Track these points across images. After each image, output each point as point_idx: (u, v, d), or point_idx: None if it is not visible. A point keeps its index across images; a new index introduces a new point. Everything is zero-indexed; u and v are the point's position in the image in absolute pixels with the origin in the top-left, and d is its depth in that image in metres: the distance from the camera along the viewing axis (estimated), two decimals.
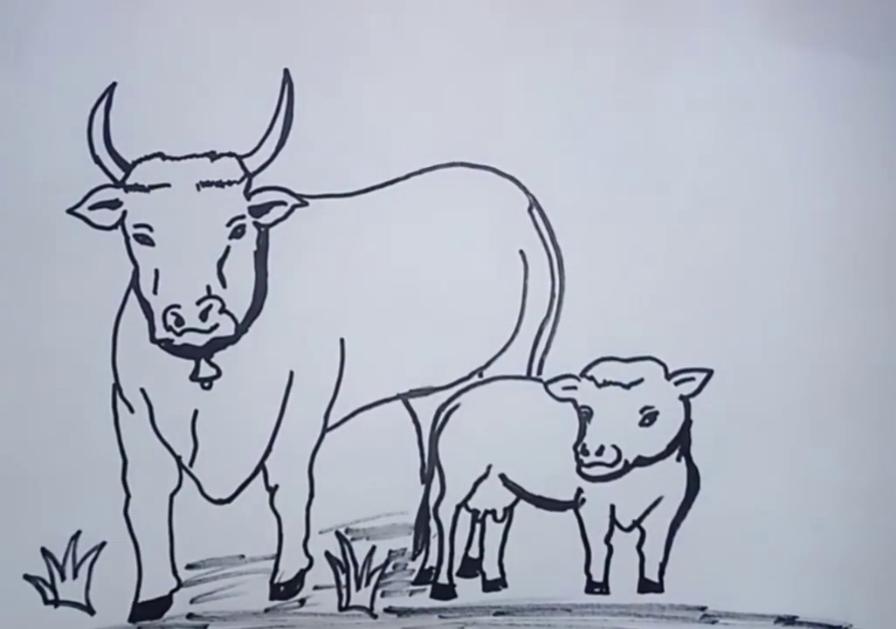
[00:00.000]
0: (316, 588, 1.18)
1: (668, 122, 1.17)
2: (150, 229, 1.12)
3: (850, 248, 1.17)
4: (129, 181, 1.12)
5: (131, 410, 1.14)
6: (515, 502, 1.18)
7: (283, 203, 1.14)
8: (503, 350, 1.17)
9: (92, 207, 1.12)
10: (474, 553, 1.19)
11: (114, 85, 1.13)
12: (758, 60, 1.16)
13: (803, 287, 1.18)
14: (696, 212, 1.17)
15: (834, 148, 1.17)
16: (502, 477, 1.18)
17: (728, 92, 1.17)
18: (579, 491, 1.17)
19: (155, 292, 1.12)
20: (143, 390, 1.14)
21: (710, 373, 1.16)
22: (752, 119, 1.17)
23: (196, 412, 1.15)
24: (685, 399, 1.16)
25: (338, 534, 1.18)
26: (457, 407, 1.17)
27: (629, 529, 1.18)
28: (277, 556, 1.17)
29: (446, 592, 1.19)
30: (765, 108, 1.17)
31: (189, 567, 1.16)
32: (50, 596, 1.14)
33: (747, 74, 1.16)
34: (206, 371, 1.14)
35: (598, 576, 1.18)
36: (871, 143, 1.17)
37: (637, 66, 1.16)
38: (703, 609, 1.18)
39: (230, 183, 1.13)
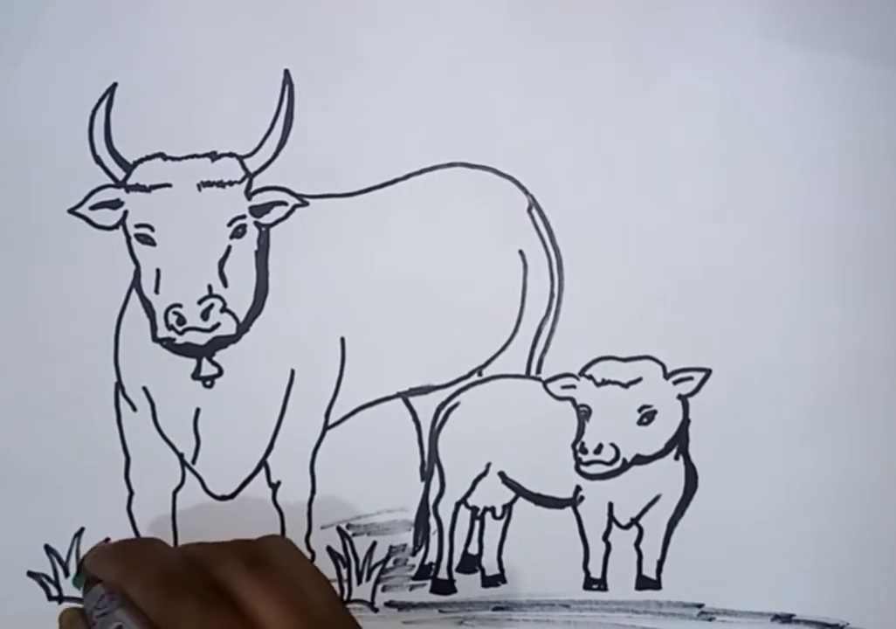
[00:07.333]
0: None
1: (667, 122, 1.16)
2: (152, 229, 1.12)
3: (850, 248, 1.17)
4: (130, 181, 1.12)
5: (134, 409, 1.15)
6: (514, 500, 1.18)
7: (284, 203, 1.14)
8: (502, 349, 1.17)
9: (93, 207, 1.12)
10: (474, 549, 1.20)
11: (115, 85, 1.13)
12: (757, 61, 1.15)
13: (803, 286, 1.17)
14: (696, 211, 1.16)
15: (834, 148, 1.16)
16: (501, 474, 1.18)
17: (728, 92, 1.16)
18: (578, 489, 1.17)
19: (156, 292, 1.13)
20: (145, 389, 1.15)
21: (708, 372, 1.16)
22: (752, 119, 1.16)
23: (198, 410, 1.15)
24: (683, 398, 1.16)
25: (339, 529, 1.18)
26: (456, 405, 1.18)
27: (627, 527, 1.18)
28: None
29: (446, 587, 1.20)
30: (765, 109, 1.16)
31: None
32: (54, 592, 1.15)
33: (747, 75, 1.16)
34: (207, 369, 1.14)
35: (596, 573, 1.19)
36: (872, 144, 1.16)
37: (637, 66, 1.15)
38: (700, 606, 1.18)
39: (231, 183, 1.13)
